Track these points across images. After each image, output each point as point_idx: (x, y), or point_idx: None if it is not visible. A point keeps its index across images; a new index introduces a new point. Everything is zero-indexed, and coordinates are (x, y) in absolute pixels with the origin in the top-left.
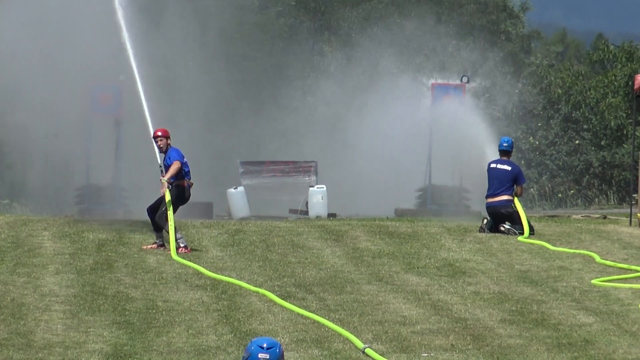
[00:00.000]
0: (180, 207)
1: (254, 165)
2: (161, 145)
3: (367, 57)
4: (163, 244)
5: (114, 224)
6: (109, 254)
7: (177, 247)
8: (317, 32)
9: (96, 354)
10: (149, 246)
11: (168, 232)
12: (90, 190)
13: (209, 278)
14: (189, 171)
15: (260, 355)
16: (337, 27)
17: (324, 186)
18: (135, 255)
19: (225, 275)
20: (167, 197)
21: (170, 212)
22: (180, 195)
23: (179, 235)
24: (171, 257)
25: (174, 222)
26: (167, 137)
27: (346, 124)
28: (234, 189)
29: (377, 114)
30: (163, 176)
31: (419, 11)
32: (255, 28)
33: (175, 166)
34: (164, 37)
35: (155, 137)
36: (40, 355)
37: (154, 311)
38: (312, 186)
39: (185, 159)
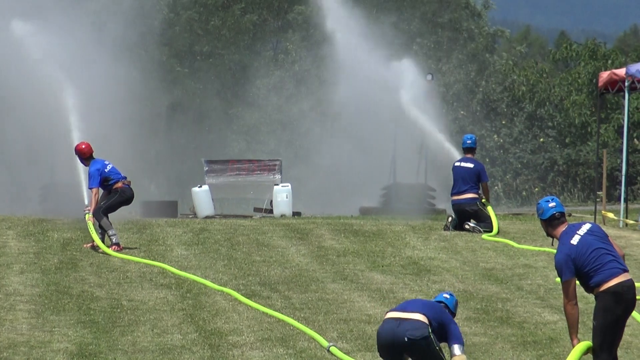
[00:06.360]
0: (143, 206)
1: (218, 163)
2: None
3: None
4: (118, 243)
5: (79, 223)
6: (74, 253)
7: (110, 245)
8: (281, 30)
9: (61, 354)
10: (114, 248)
11: (101, 227)
12: (54, 189)
13: (174, 277)
14: (118, 174)
15: (549, 205)
16: (296, 25)
17: (288, 184)
18: (100, 255)
19: (191, 274)
20: (90, 227)
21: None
22: (121, 197)
23: (112, 232)
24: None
25: (109, 219)
26: (80, 156)
27: (310, 122)
28: (199, 187)
29: (341, 112)
30: (88, 208)
31: (380, 7)
32: (221, 25)
33: (92, 196)
34: (127, 34)
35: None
36: (5, 354)
37: (118, 310)
38: (277, 185)
39: (107, 166)
